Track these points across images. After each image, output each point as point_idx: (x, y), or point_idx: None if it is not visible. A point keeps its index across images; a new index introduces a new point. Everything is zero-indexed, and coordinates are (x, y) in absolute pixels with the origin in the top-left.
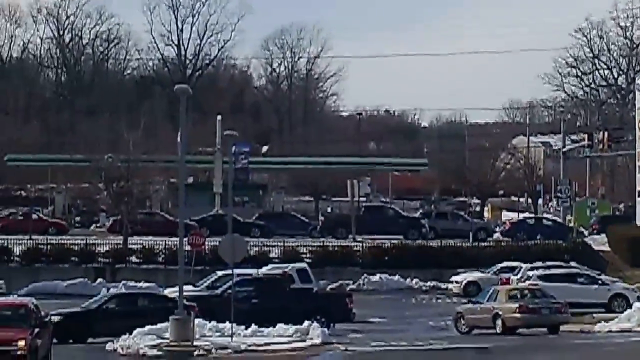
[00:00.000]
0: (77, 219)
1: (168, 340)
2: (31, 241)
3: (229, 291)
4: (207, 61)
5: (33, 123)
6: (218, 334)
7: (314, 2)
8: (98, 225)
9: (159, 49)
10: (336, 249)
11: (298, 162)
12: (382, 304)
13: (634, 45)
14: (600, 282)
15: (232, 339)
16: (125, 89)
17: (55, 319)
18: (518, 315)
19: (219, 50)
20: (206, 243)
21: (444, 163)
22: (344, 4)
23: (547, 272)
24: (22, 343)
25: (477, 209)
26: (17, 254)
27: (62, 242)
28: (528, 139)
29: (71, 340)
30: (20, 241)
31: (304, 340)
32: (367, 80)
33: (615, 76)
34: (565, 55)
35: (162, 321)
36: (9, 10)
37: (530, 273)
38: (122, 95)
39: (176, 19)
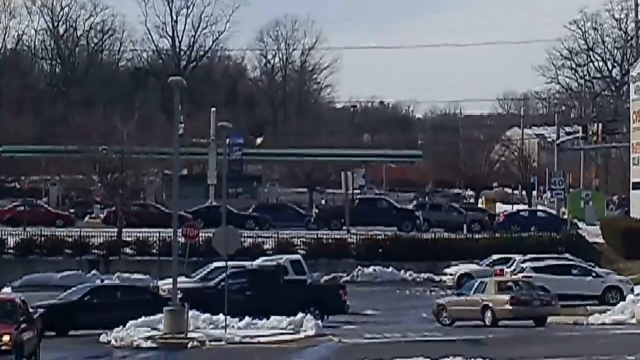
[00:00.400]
0: (71, 210)
1: (162, 332)
2: (25, 233)
3: (223, 283)
4: (202, 53)
5: (27, 114)
6: (212, 325)
7: None
8: (92, 216)
9: (153, 41)
10: (330, 240)
11: (292, 154)
12: (375, 296)
13: (629, 37)
14: (594, 274)
15: (225, 331)
16: (119, 80)
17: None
18: (510, 307)
19: (213, 41)
20: (200, 235)
21: (438, 155)
22: None
23: (541, 264)
24: (6, 338)
25: (472, 200)
26: (11, 245)
27: (56, 233)
28: (522, 130)
29: (53, 333)
30: (14, 233)
31: (298, 332)
32: (361, 72)
33: (610, 68)
34: (560, 47)
35: (142, 313)
36: (3, 1)
37: (524, 265)
38: (117, 87)
39: (171, 10)
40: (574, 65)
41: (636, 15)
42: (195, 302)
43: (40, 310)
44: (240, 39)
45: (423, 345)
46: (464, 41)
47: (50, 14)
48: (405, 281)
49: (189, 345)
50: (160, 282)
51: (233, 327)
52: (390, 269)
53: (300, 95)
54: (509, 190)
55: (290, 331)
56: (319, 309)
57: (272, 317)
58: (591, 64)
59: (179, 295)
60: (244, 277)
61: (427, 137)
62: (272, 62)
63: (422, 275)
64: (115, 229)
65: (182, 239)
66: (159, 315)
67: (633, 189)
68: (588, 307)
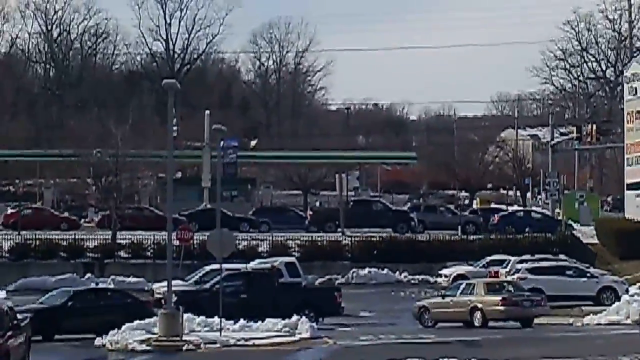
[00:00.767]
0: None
1: (157, 335)
2: (20, 237)
3: (218, 286)
4: (195, 56)
5: (21, 118)
6: (207, 328)
7: None
8: (87, 220)
9: (147, 44)
10: (325, 243)
11: (286, 156)
12: (370, 297)
13: (622, 38)
14: (589, 274)
15: (220, 334)
16: (113, 83)
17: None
18: (502, 307)
19: (207, 44)
20: (194, 238)
21: (433, 156)
22: None
23: (536, 265)
24: None
25: (466, 202)
26: (6, 249)
27: (51, 237)
28: (516, 132)
29: (40, 338)
30: (9, 237)
31: (293, 335)
32: (355, 74)
33: (604, 69)
34: (554, 48)
35: (123, 318)
36: None
37: (519, 266)
38: (111, 90)
39: (164, 13)
40: (567, 66)
41: (630, 15)
42: (190, 305)
43: (29, 315)
44: (234, 42)
45: (418, 347)
46: (457, 42)
47: (44, 17)
48: (400, 283)
49: (184, 348)
50: (154, 285)
51: (228, 329)
52: (385, 270)
53: (294, 98)
54: (504, 192)
55: (285, 334)
56: (314, 311)
57: (267, 320)
58: (585, 64)
59: (174, 298)
60: (239, 279)
61: (421, 138)
62: (266, 64)
63: (417, 277)
64: (110, 232)
65: (176, 242)
66: (154, 318)
67: (627, 189)
68: (583, 308)
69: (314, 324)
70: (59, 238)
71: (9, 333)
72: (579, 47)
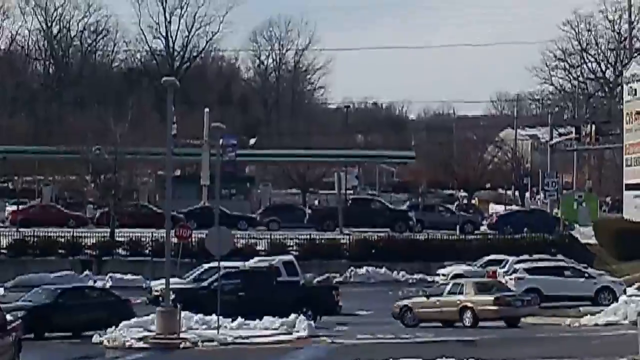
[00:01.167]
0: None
1: (154, 333)
2: (18, 233)
3: (216, 284)
4: (195, 53)
5: (20, 115)
6: (204, 326)
7: None
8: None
9: (147, 41)
10: (323, 241)
11: (285, 155)
12: (368, 296)
13: (622, 39)
14: (586, 275)
15: (218, 332)
16: (113, 80)
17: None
18: (495, 307)
19: (207, 42)
20: (193, 235)
21: (432, 156)
22: None
23: (534, 265)
24: None
25: (465, 201)
26: (4, 246)
27: (49, 234)
28: (515, 131)
29: (32, 336)
30: (7, 233)
31: (291, 333)
32: (354, 72)
33: (603, 69)
34: (554, 48)
35: (106, 316)
36: None
37: (517, 266)
38: (110, 87)
39: (164, 10)
40: (567, 66)
41: (629, 16)
42: (188, 302)
43: (20, 314)
44: (234, 40)
45: (416, 346)
46: (457, 42)
47: (44, 14)
48: (398, 282)
49: (182, 346)
50: (153, 283)
51: (226, 327)
52: (384, 269)
53: (293, 96)
54: (502, 191)
55: (283, 332)
56: (312, 310)
57: (265, 318)
58: (585, 65)
59: (172, 296)
60: (237, 277)
61: (420, 138)
62: (265, 62)
63: (415, 276)
64: (108, 230)
65: (174, 240)
66: (152, 316)
67: (626, 190)
68: (580, 308)
69: (312, 323)
70: (57, 235)
71: None
72: (579, 48)
